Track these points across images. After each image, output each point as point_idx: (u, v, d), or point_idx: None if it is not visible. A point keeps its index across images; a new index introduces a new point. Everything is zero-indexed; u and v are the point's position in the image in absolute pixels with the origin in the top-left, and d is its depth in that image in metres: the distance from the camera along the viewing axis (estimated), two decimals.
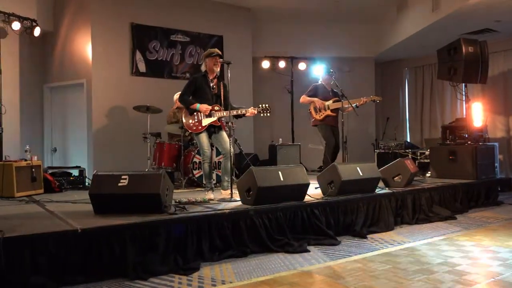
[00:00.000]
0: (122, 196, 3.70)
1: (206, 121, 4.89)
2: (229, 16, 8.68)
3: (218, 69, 5.00)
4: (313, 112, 6.17)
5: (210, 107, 4.88)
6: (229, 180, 4.84)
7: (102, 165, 6.80)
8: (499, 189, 6.67)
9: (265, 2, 8.60)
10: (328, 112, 6.07)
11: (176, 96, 6.87)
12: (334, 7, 8.75)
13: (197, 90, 4.94)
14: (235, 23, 8.78)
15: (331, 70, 6.17)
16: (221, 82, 5.06)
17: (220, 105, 4.97)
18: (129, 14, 7.54)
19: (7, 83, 6.99)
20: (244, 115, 5.05)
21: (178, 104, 6.80)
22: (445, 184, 5.83)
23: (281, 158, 8.05)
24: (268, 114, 5.00)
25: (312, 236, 4.12)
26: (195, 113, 4.90)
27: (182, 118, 5.04)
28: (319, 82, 6.35)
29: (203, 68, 5.01)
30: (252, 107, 5.06)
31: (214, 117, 4.90)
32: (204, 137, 4.92)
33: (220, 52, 4.98)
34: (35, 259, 2.88)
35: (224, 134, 5.03)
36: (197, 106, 4.85)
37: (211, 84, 4.98)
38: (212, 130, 4.99)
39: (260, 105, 5.01)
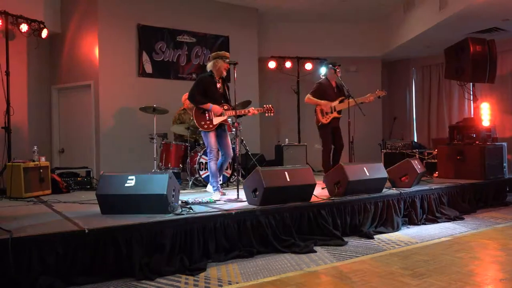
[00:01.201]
0: (129, 196, 3.72)
1: (216, 120, 4.98)
2: (235, 17, 8.69)
3: (225, 74, 5.12)
4: (319, 116, 6.06)
5: (221, 108, 4.98)
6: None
7: (109, 166, 6.84)
8: (507, 189, 6.61)
9: (272, 3, 8.60)
10: (335, 115, 6.01)
11: (184, 97, 6.89)
12: (340, 6, 8.73)
13: (206, 90, 5.00)
14: (241, 23, 8.79)
15: (336, 65, 6.04)
16: (225, 83, 5.17)
17: (228, 105, 5.09)
18: (136, 15, 7.57)
19: (15, 84, 7.03)
20: (245, 114, 5.27)
21: (186, 105, 6.84)
22: (452, 184, 5.79)
23: (288, 158, 8.03)
24: (272, 114, 5.32)
25: (318, 237, 4.11)
26: (206, 112, 4.97)
27: (192, 117, 5.13)
28: (323, 78, 6.24)
29: (209, 67, 5.04)
30: (252, 107, 5.29)
31: (224, 116, 5.01)
32: (213, 136, 5.01)
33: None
34: (43, 259, 2.90)
35: (228, 136, 5.21)
36: (210, 106, 4.93)
37: (218, 85, 5.06)
38: (222, 128, 5.12)
39: (265, 105, 5.29)
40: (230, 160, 5.20)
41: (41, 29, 6.80)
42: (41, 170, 5.61)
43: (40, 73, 7.62)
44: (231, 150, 5.24)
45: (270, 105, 5.29)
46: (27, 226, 3.33)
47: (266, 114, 5.27)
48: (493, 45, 6.56)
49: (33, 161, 5.64)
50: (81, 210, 4.15)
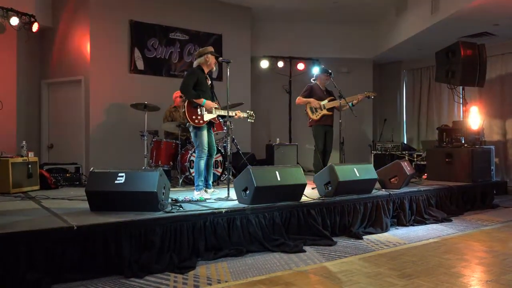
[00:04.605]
0: (118, 193, 3.70)
1: (207, 117, 4.89)
2: (229, 15, 8.67)
3: (215, 68, 5.09)
4: (309, 113, 6.14)
5: (214, 104, 4.92)
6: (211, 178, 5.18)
7: (98, 162, 6.78)
8: (494, 192, 6.70)
9: (265, 2, 8.59)
10: (324, 112, 6.05)
11: (175, 94, 6.86)
12: (333, 7, 8.76)
13: (198, 84, 4.90)
14: (235, 22, 8.77)
15: (329, 71, 6.15)
16: (212, 81, 5.15)
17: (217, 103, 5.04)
18: (128, 11, 7.51)
19: (5, 78, 6.94)
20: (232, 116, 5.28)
21: (177, 103, 6.81)
22: (441, 186, 5.85)
23: (278, 158, 8.05)
24: (252, 121, 5.55)
25: (308, 236, 4.13)
26: (198, 107, 4.86)
27: (184, 110, 4.92)
28: (314, 82, 6.32)
29: (198, 63, 4.99)
30: (239, 111, 5.37)
31: (214, 113, 4.95)
32: (205, 133, 4.92)
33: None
34: (31, 255, 2.87)
35: (212, 134, 5.16)
36: (203, 101, 4.83)
37: (208, 81, 5.03)
38: (210, 126, 5.03)
39: (247, 111, 5.43)
40: (214, 157, 5.18)
41: (32, 23, 6.72)
42: (30, 166, 5.56)
43: (30, 67, 7.53)
44: (215, 148, 5.23)
45: (252, 112, 5.47)
46: (14, 222, 3.29)
47: (249, 120, 5.42)
48: (483, 50, 6.64)
49: (22, 156, 5.59)
50: (70, 207, 4.11)
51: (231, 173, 6.19)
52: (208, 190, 4.99)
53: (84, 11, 7.25)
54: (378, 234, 4.53)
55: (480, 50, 6.60)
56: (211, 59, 4.94)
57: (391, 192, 5.09)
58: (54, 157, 7.55)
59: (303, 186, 4.42)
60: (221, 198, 4.58)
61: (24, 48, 7.33)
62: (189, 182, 6.21)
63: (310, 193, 4.81)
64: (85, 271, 3.03)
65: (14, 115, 7.18)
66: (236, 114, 5.22)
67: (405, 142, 10.22)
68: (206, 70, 4.99)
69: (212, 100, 4.98)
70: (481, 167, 6.51)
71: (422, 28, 7.66)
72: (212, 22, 8.44)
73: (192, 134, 5.00)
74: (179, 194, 4.94)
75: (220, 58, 4.94)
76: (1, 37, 6.50)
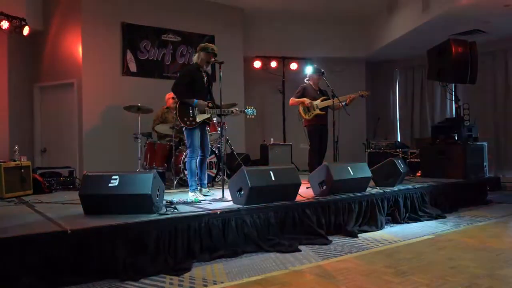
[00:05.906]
0: (112, 196, 3.68)
1: (200, 117, 4.83)
2: (221, 16, 8.67)
3: (208, 66, 5.00)
4: (302, 113, 6.15)
5: (206, 104, 4.85)
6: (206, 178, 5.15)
7: (92, 166, 6.75)
8: (488, 188, 6.74)
9: (257, 2, 8.61)
10: (317, 112, 6.07)
11: (168, 96, 6.84)
12: (325, 7, 8.79)
13: (192, 83, 4.83)
14: (227, 23, 8.77)
15: (322, 70, 6.17)
16: (210, 80, 5.10)
17: (212, 102, 4.99)
18: (120, 13, 7.49)
19: None
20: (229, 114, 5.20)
21: (169, 104, 6.79)
22: (435, 183, 5.88)
23: (273, 158, 8.05)
24: (253, 117, 5.29)
25: (303, 236, 4.13)
26: (190, 108, 4.81)
27: (175, 112, 4.89)
28: (307, 82, 6.33)
29: (195, 59, 4.95)
30: (236, 108, 5.25)
31: (208, 114, 4.88)
32: (197, 134, 4.87)
33: (215, 50, 4.92)
34: (25, 260, 2.85)
35: (207, 135, 5.11)
36: (195, 101, 4.78)
37: (205, 79, 4.97)
38: (203, 126, 4.99)
39: (248, 107, 5.24)
40: (208, 157, 5.13)
41: (23, 26, 6.69)
42: (23, 170, 5.52)
43: (21, 71, 7.48)
44: (209, 148, 5.18)
45: (252, 107, 5.25)
46: (8, 227, 3.27)
47: (248, 116, 5.26)
48: (474, 47, 6.68)
49: (14, 160, 5.55)
50: (63, 211, 4.08)
51: (225, 174, 6.19)
52: (203, 191, 4.99)
53: (76, 14, 7.22)
54: (373, 232, 4.54)
55: (471, 47, 6.64)
56: (203, 56, 4.85)
57: (386, 190, 5.10)
58: (47, 161, 7.51)
59: (297, 186, 4.43)
60: (216, 199, 4.58)
61: (15, 52, 7.29)
62: (183, 184, 6.19)
63: (305, 193, 4.81)
64: (80, 275, 3.01)
65: (6, 120, 7.14)
66: (233, 112, 5.12)
67: (399, 140, 10.26)
68: (202, 67, 4.94)
69: (206, 99, 4.92)
70: (474, 163, 6.56)
71: (414, 26, 7.71)
72: (205, 23, 8.44)
73: (185, 134, 4.96)
74: (174, 195, 4.93)
75: (213, 59, 4.91)
76: None
